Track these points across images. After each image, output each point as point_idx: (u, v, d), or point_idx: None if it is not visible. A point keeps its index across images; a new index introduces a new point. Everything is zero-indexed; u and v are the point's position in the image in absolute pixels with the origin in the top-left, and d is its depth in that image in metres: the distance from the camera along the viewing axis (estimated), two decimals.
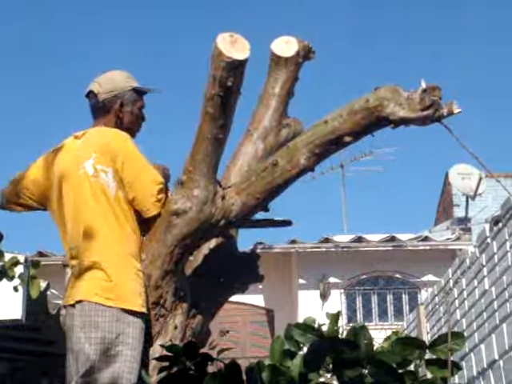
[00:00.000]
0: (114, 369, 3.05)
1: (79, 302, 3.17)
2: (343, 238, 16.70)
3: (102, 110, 3.51)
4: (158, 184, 3.31)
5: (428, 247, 16.51)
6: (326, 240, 16.49)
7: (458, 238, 16.62)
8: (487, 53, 35.47)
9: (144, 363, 3.12)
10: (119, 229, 3.25)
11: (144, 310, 3.15)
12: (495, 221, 6.92)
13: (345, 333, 2.10)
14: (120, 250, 3.22)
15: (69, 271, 3.34)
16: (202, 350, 2.14)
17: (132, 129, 3.51)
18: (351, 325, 2.16)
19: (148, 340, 3.19)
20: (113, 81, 3.54)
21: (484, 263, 6.99)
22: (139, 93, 3.58)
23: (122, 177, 3.29)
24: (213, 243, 3.53)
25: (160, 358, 2.23)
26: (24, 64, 35.91)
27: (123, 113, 3.51)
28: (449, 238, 16.72)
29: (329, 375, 2.02)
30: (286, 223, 3.77)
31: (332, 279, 16.57)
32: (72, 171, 3.35)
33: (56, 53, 35.77)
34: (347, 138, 3.20)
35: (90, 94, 3.55)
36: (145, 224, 3.33)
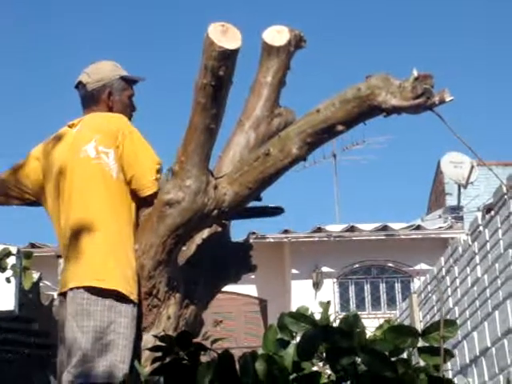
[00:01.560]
0: (106, 357, 3.05)
1: (71, 289, 3.17)
2: (336, 228, 16.72)
3: (91, 99, 3.52)
4: (156, 163, 3.34)
5: (420, 236, 16.54)
6: (319, 229, 16.50)
7: (451, 227, 16.65)
8: (479, 42, 35.50)
9: (136, 353, 3.13)
10: (115, 216, 3.26)
11: (134, 297, 3.16)
12: (487, 209, 6.94)
13: (338, 321, 2.11)
14: (114, 238, 3.22)
15: (62, 262, 3.34)
16: (196, 340, 2.14)
17: None
18: (344, 314, 2.16)
19: (139, 329, 3.19)
20: (101, 70, 3.55)
21: (476, 251, 7.01)
22: (128, 82, 3.58)
23: (122, 154, 3.30)
24: (206, 233, 3.53)
25: (153, 349, 2.23)
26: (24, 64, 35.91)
27: (112, 101, 3.52)
28: (441, 227, 16.75)
29: (322, 364, 2.03)
30: (278, 211, 3.76)
31: (325, 268, 16.59)
32: (69, 159, 3.35)
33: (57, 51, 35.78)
34: (339, 127, 3.20)
35: (80, 85, 3.56)
36: (142, 205, 3.34)
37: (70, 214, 3.28)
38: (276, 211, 3.77)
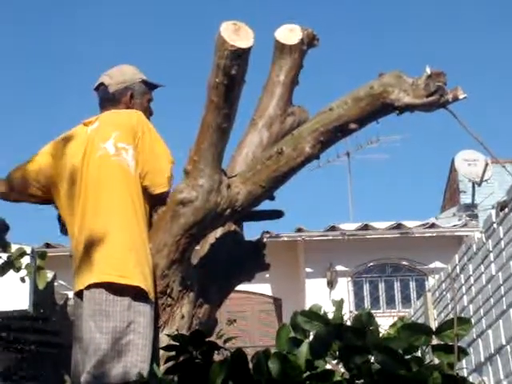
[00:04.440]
0: (126, 358, 3.04)
1: (88, 288, 3.16)
2: (350, 226, 16.69)
3: (111, 101, 3.53)
4: (171, 162, 3.35)
5: (435, 234, 16.49)
6: (333, 228, 16.48)
7: (465, 225, 16.60)
8: (492, 38, 35.37)
9: (154, 352, 3.11)
10: (134, 213, 3.25)
11: (152, 296, 3.16)
12: (501, 206, 6.90)
13: (351, 320, 2.10)
14: (134, 235, 3.22)
15: (73, 260, 3.33)
16: (209, 339, 2.14)
17: None
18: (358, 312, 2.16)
19: (157, 329, 3.19)
20: (123, 73, 3.57)
21: (490, 249, 6.98)
22: (148, 86, 3.60)
23: (140, 150, 3.30)
24: (219, 232, 3.53)
25: (167, 348, 2.23)
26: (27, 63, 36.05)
27: (133, 104, 3.53)
28: (455, 225, 16.69)
29: (335, 362, 2.02)
30: (276, 214, 3.74)
31: (339, 267, 16.57)
32: (85, 157, 3.34)
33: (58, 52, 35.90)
34: (352, 125, 3.20)
35: (100, 87, 3.57)
36: (154, 203, 3.34)
37: (88, 211, 3.26)
38: (273, 215, 3.74)
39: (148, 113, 3.60)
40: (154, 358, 3.07)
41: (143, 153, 3.31)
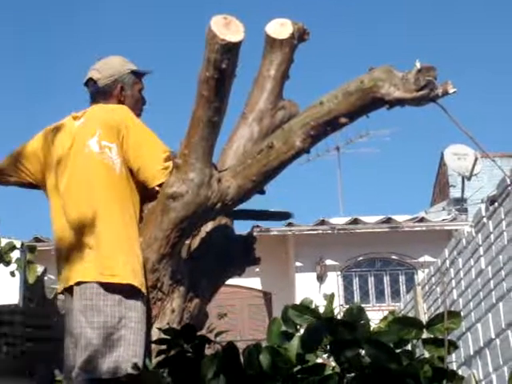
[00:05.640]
0: (118, 353, 3.04)
1: (78, 284, 3.16)
2: (339, 220, 16.72)
3: (102, 95, 3.51)
4: (164, 152, 3.32)
5: (424, 228, 16.53)
6: (323, 222, 16.50)
7: (454, 219, 16.65)
8: (482, 32, 35.42)
9: (147, 347, 3.11)
10: (120, 210, 3.24)
11: (144, 291, 3.16)
12: (491, 200, 6.92)
13: (342, 314, 2.11)
14: (121, 233, 3.21)
15: (57, 256, 3.32)
16: (200, 333, 2.14)
17: (133, 112, 3.49)
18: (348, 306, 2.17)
19: (149, 323, 3.19)
20: (111, 66, 3.55)
21: (480, 243, 7.01)
22: (137, 75, 3.58)
23: (127, 146, 3.28)
24: (209, 226, 3.53)
25: (157, 341, 2.23)
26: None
27: (124, 96, 3.52)
28: (445, 219, 16.74)
29: (326, 356, 2.03)
30: (285, 215, 3.79)
31: (329, 261, 16.60)
32: (71, 154, 3.34)
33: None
34: (343, 120, 3.19)
35: (89, 82, 3.55)
36: (150, 198, 3.33)
37: (73, 209, 3.26)
38: (282, 217, 3.80)
39: (141, 103, 3.59)
40: (146, 352, 3.07)
41: (131, 149, 3.29)
